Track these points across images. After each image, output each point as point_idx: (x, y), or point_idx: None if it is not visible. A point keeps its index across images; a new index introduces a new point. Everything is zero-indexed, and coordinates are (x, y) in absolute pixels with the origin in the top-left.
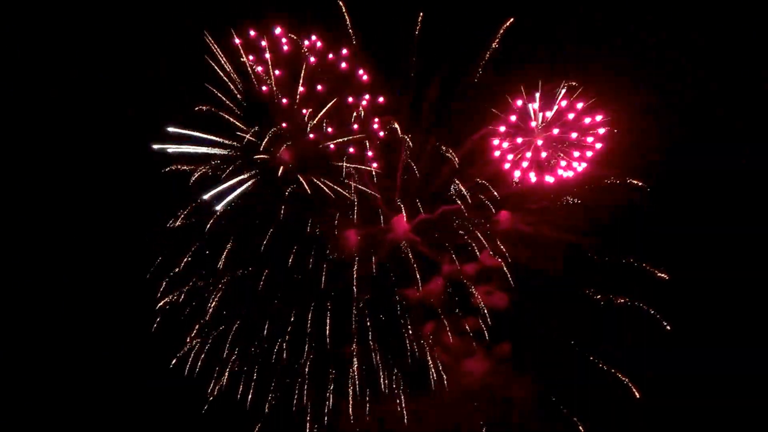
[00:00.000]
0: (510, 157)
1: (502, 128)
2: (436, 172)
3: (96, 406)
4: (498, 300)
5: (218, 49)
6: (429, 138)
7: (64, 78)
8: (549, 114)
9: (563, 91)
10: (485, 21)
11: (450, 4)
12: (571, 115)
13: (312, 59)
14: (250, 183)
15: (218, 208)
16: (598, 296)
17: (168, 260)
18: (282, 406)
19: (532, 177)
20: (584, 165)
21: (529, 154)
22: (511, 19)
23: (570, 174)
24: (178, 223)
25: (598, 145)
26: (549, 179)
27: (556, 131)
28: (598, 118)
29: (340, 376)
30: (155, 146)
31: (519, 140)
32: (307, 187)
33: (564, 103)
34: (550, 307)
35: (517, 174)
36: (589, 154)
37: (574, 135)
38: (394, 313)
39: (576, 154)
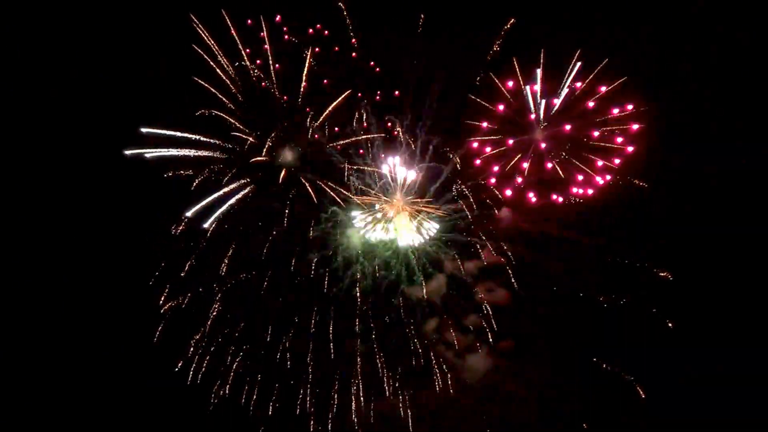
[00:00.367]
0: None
1: (486, 124)
2: (439, 171)
3: (100, 408)
4: (500, 298)
5: (215, 45)
6: (431, 138)
7: (66, 78)
8: (557, 101)
9: (578, 66)
10: (485, 21)
11: (451, 4)
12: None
13: (316, 49)
14: (243, 193)
15: (206, 225)
16: (600, 296)
17: (171, 265)
18: (286, 407)
19: (532, 197)
20: (608, 177)
21: (527, 164)
22: (512, 20)
23: (589, 192)
24: (180, 228)
25: (629, 149)
26: (557, 198)
27: (567, 127)
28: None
29: (344, 377)
30: (128, 152)
31: (511, 141)
32: (310, 190)
33: (578, 85)
34: (552, 306)
35: (508, 193)
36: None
37: (596, 133)
38: (398, 312)
39: (597, 162)
